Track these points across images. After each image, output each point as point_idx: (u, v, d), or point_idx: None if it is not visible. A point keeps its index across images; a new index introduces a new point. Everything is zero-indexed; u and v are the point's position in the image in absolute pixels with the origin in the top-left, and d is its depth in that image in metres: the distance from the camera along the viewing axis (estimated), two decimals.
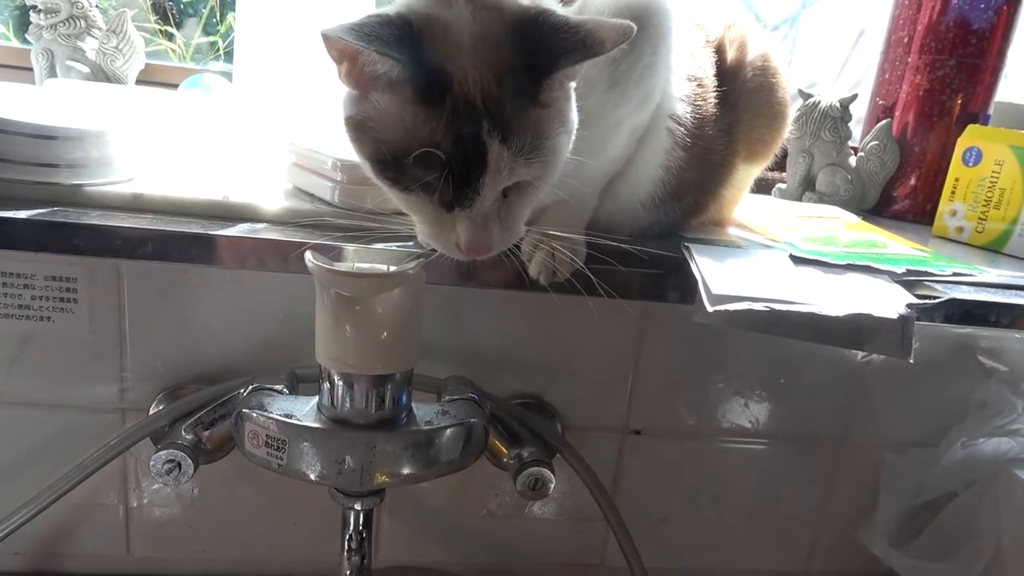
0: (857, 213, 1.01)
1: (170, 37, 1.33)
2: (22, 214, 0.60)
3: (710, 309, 0.60)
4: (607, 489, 0.75)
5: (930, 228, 0.98)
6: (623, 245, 0.62)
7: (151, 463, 0.63)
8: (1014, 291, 0.73)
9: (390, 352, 0.58)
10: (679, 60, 0.65)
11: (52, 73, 0.98)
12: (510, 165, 0.49)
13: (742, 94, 0.73)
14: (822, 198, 1.06)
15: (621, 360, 0.78)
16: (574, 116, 0.54)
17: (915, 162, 1.06)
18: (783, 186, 1.11)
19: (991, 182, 0.90)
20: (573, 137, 0.54)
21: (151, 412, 0.70)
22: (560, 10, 0.52)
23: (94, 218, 0.62)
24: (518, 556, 0.84)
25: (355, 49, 0.47)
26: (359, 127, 0.52)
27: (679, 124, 0.65)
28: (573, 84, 0.54)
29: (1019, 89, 1.09)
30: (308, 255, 0.54)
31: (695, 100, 0.66)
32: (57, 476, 0.66)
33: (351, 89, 0.52)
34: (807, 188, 1.08)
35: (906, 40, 1.04)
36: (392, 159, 0.50)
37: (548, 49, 0.49)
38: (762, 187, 1.10)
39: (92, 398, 0.71)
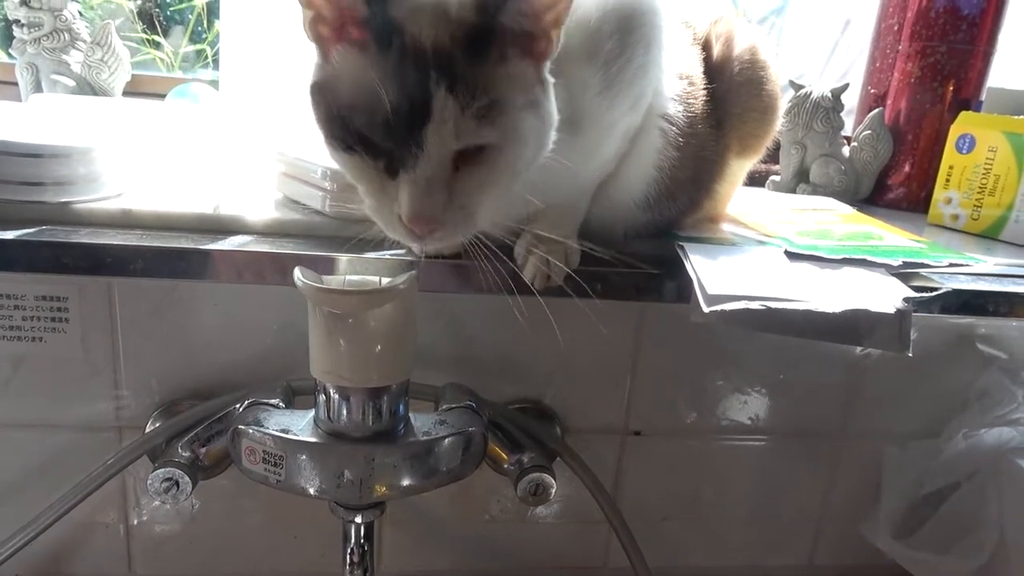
0: (852, 203, 1.01)
1: (157, 46, 1.32)
2: (10, 234, 0.60)
3: (706, 309, 0.60)
4: (608, 491, 0.75)
5: (925, 216, 0.98)
6: (614, 256, 0.62)
7: (149, 482, 0.63)
8: (1011, 279, 0.73)
9: (385, 364, 0.57)
10: (670, 59, 0.64)
11: (38, 87, 0.97)
12: (456, 119, 0.46)
13: (731, 89, 0.73)
14: (816, 189, 1.06)
15: (619, 361, 0.78)
16: (551, 107, 0.52)
17: (908, 150, 1.06)
18: (777, 178, 1.10)
19: (985, 169, 0.90)
20: (550, 129, 0.52)
21: (148, 429, 0.69)
22: None
23: (83, 236, 0.62)
24: (522, 561, 0.84)
25: None
26: (318, 91, 0.50)
27: (671, 123, 0.64)
28: (548, 65, 0.52)
29: (1011, 74, 1.09)
30: (297, 273, 0.54)
31: (686, 99, 0.66)
32: (56, 496, 0.66)
33: (311, 39, 0.50)
34: (801, 179, 1.08)
35: (896, 27, 1.04)
36: (340, 116, 0.48)
37: (502, 7, 0.47)
38: (756, 179, 1.10)
39: (88, 417, 0.71)
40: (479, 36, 0.48)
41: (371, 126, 0.47)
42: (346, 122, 0.48)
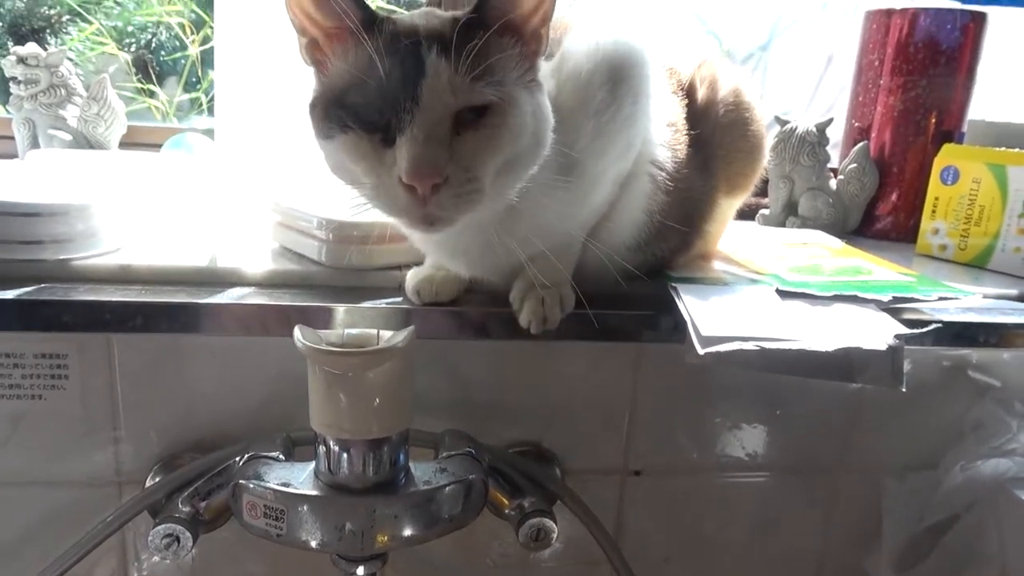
0: (841, 235, 1.02)
1: (152, 95, 1.34)
2: (9, 294, 0.61)
3: (701, 351, 0.60)
4: (610, 531, 0.75)
5: (914, 246, 0.99)
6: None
7: (149, 538, 0.63)
8: (1000, 311, 0.74)
9: (384, 416, 0.58)
10: (657, 108, 0.66)
11: (34, 141, 0.99)
12: (450, 77, 0.48)
13: (717, 131, 0.74)
14: (805, 222, 1.07)
15: (616, 401, 0.78)
16: (547, 105, 0.55)
17: (895, 182, 1.07)
18: (767, 212, 1.12)
19: (970, 200, 0.92)
20: (546, 124, 0.54)
21: (147, 484, 0.69)
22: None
23: (82, 293, 0.62)
24: None
25: None
26: (316, 104, 0.53)
27: (660, 169, 0.66)
28: (540, 65, 0.55)
29: (992, 107, 1.11)
30: (297, 334, 0.55)
31: (674, 145, 0.67)
32: (56, 554, 0.66)
33: (308, 63, 0.54)
34: (790, 213, 1.09)
35: (877, 63, 1.06)
36: (335, 102, 0.51)
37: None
38: (746, 213, 1.11)
39: (87, 473, 0.71)
40: (469, 25, 0.50)
41: (365, 97, 0.49)
42: (343, 105, 0.50)
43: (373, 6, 0.52)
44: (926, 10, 1.02)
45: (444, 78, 0.48)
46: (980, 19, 1.02)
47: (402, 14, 0.55)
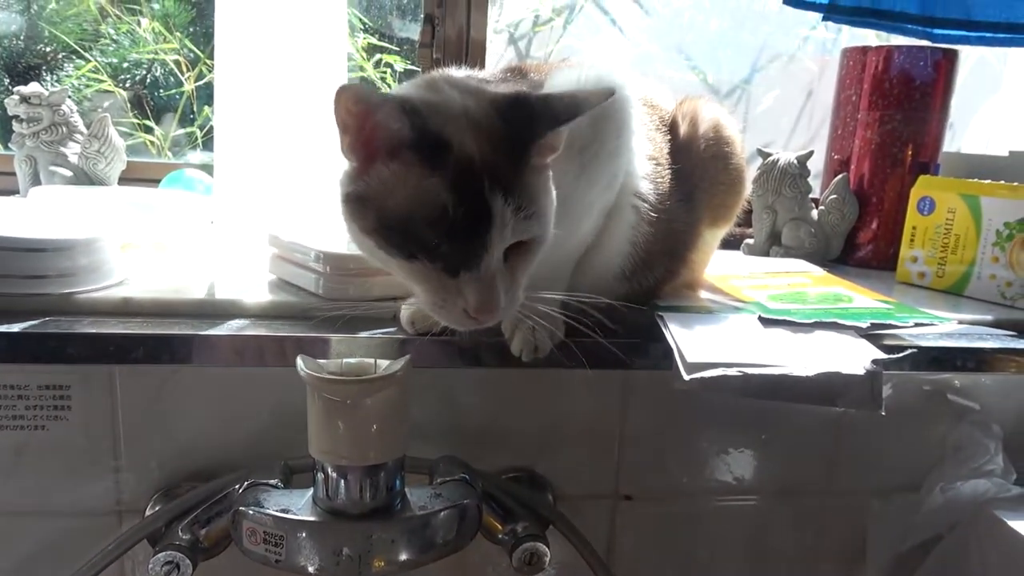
0: (823, 264, 1.05)
1: (149, 130, 1.37)
2: (15, 327, 0.62)
3: (687, 377, 0.63)
4: (602, 556, 0.76)
5: (894, 274, 1.02)
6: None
7: (150, 567, 0.64)
8: (976, 336, 0.77)
9: (382, 442, 0.59)
10: (640, 142, 0.68)
11: (36, 178, 1.01)
12: (512, 222, 0.52)
13: (698, 165, 0.77)
14: (788, 251, 1.10)
15: (607, 427, 0.80)
16: (553, 189, 0.58)
17: (874, 211, 1.11)
18: (751, 241, 1.15)
19: (946, 229, 0.95)
20: (553, 213, 0.57)
21: (147, 513, 0.70)
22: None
23: (86, 325, 0.64)
24: None
25: (365, 110, 0.51)
26: (359, 201, 0.55)
27: (644, 201, 0.68)
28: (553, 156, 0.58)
29: (965, 139, 1.15)
30: (300, 363, 0.57)
31: (656, 178, 0.70)
32: None
33: (353, 161, 0.55)
34: (774, 242, 1.12)
35: (854, 97, 1.10)
36: (396, 227, 0.53)
37: (534, 117, 0.54)
38: (731, 243, 1.14)
39: (88, 502, 0.72)
40: (515, 145, 0.54)
41: (434, 235, 0.52)
42: (406, 233, 0.53)
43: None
44: (900, 47, 1.07)
45: (508, 224, 0.52)
46: (952, 56, 1.07)
47: (442, 103, 0.55)
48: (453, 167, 0.52)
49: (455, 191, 0.51)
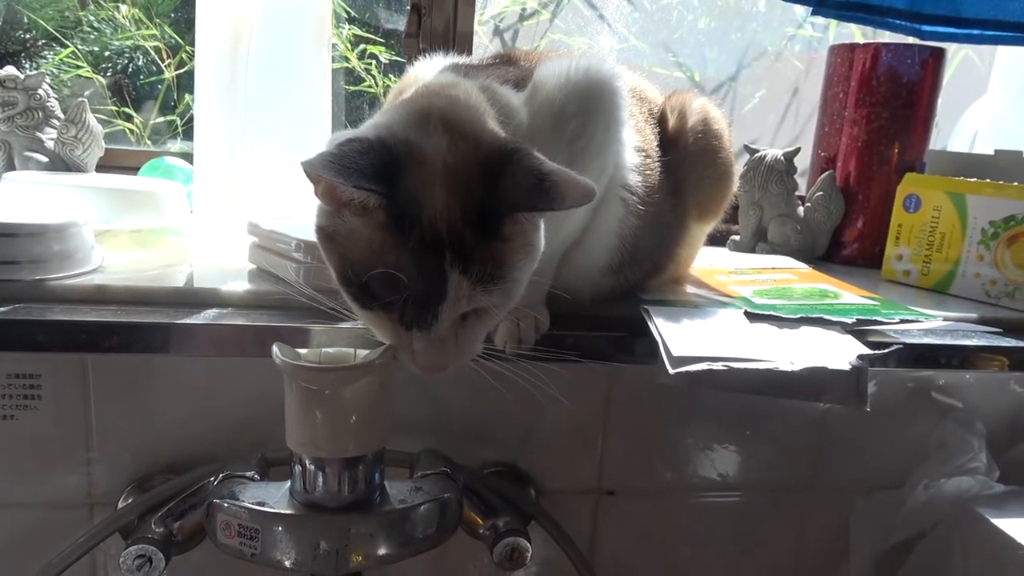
0: (809, 261, 1.05)
1: (128, 118, 1.34)
2: None
3: (672, 371, 0.62)
4: (584, 551, 0.75)
5: (880, 272, 1.02)
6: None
7: (121, 560, 0.62)
8: (961, 333, 0.76)
9: (361, 434, 0.58)
10: (628, 134, 0.68)
11: (10, 163, 0.98)
12: (468, 294, 0.50)
13: (686, 158, 0.76)
14: (775, 248, 1.10)
15: (590, 422, 0.79)
16: (540, 240, 0.55)
17: (860, 209, 1.11)
18: (737, 238, 1.14)
19: (932, 227, 0.95)
20: (538, 257, 0.55)
21: (120, 505, 0.69)
22: (536, 153, 0.52)
23: (58, 313, 0.62)
24: None
25: (333, 184, 0.49)
26: (329, 239, 0.53)
27: (632, 193, 0.68)
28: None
29: (951, 139, 1.15)
30: (275, 350, 0.55)
31: (644, 170, 0.69)
32: None
33: (325, 204, 0.53)
34: (760, 239, 1.12)
35: (841, 95, 1.10)
36: (355, 276, 0.51)
37: (514, 191, 0.50)
38: (718, 239, 1.14)
39: (59, 494, 0.70)
40: (488, 218, 0.51)
41: (389, 294, 0.50)
42: (364, 286, 0.51)
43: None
44: (887, 45, 1.06)
45: (463, 298, 0.51)
46: (939, 54, 1.07)
47: (425, 153, 0.52)
48: (416, 237, 0.49)
49: (415, 263, 0.49)
